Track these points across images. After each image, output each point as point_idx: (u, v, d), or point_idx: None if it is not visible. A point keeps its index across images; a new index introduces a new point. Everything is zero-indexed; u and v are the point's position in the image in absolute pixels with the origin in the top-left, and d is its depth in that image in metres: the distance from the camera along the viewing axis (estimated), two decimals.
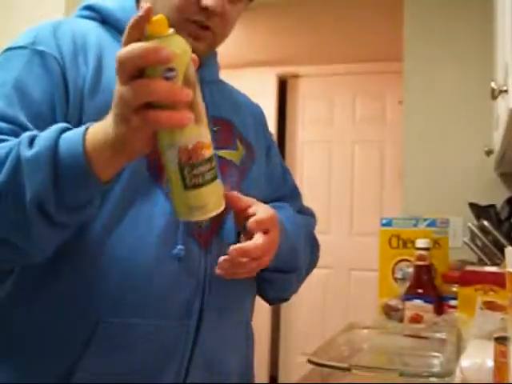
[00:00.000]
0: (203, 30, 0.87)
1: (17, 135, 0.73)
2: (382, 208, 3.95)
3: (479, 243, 1.89)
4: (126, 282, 0.79)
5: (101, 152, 0.66)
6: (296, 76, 4.21)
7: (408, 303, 1.38)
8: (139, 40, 0.61)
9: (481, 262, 1.85)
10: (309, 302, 3.93)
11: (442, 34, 2.60)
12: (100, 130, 0.67)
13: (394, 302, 1.49)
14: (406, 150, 2.66)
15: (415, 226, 1.69)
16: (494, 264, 1.64)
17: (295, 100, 4.28)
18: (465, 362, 0.73)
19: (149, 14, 0.62)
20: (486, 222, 1.81)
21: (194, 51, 0.69)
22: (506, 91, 1.22)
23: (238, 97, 1.07)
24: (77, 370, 0.77)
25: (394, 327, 1.26)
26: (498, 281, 1.05)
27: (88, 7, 0.93)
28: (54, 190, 0.67)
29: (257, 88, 4.22)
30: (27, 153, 0.68)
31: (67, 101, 0.80)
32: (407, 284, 1.48)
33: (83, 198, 0.70)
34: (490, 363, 0.70)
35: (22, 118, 0.77)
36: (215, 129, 0.90)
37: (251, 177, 0.97)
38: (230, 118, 0.98)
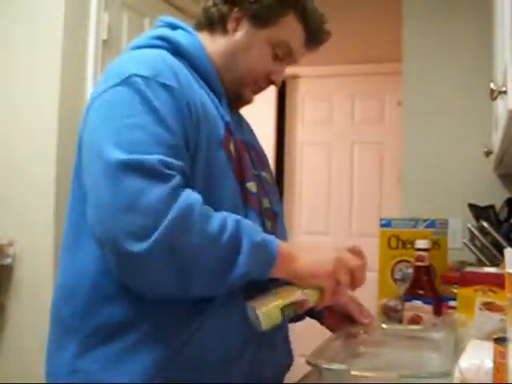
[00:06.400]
0: (260, 89, 1.13)
1: (184, 171, 0.87)
2: (381, 209, 3.95)
3: (478, 244, 1.89)
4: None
5: (285, 273, 0.93)
6: (295, 77, 4.22)
7: (407, 304, 1.37)
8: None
9: (480, 263, 1.85)
10: None
11: (440, 35, 2.60)
12: (291, 258, 0.93)
13: (393, 303, 1.49)
14: (405, 151, 2.66)
15: (414, 226, 1.69)
16: (493, 265, 1.63)
17: (294, 101, 4.28)
18: (464, 362, 0.73)
19: None
20: (485, 223, 1.80)
21: (249, 101, 1.12)
22: (504, 92, 1.22)
23: (246, 121, 1.23)
24: (185, 350, 0.91)
25: (393, 328, 1.26)
26: (498, 282, 1.04)
27: (162, 38, 1.03)
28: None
29: None
30: (256, 238, 0.88)
31: (191, 131, 0.92)
32: (406, 285, 1.47)
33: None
34: (489, 364, 0.70)
35: (183, 150, 0.89)
36: (254, 154, 1.12)
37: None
38: (255, 142, 1.19)
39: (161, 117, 0.88)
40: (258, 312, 0.90)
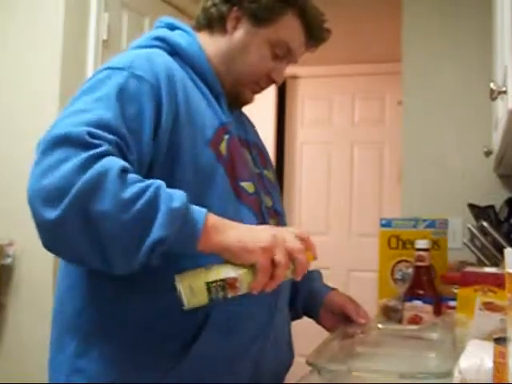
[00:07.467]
0: (261, 89, 1.13)
1: (119, 147, 0.83)
2: (381, 209, 3.95)
3: (478, 244, 1.89)
4: None
5: (213, 244, 0.83)
6: (295, 77, 4.21)
7: (407, 304, 1.37)
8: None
9: (480, 263, 1.85)
10: None
11: (440, 34, 2.60)
12: (221, 229, 0.84)
13: (393, 303, 1.49)
14: (405, 151, 2.66)
15: (414, 226, 1.69)
16: (493, 265, 1.64)
17: (294, 101, 4.28)
18: (464, 362, 0.73)
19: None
20: (485, 223, 1.80)
21: (249, 101, 1.12)
22: (504, 92, 1.22)
23: (249, 120, 1.23)
24: (192, 349, 0.91)
25: (393, 328, 1.26)
26: (498, 282, 1.05)
27: (160, 39, 1.04)
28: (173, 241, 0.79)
29: None
30: (175, 203, 0.79)
31: (158, 122, 0.91)
32: (406, 285, 1.47)
33: (175, 251, 0.82)
34: (489, 364, 0.70)
35: (124, 131, 0.86)
36: (256, 153, 1.13)
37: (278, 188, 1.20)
38: (259, 141, 1.20)
39: (113, 103, 0.87)
40: (179, 285, 0.82)
